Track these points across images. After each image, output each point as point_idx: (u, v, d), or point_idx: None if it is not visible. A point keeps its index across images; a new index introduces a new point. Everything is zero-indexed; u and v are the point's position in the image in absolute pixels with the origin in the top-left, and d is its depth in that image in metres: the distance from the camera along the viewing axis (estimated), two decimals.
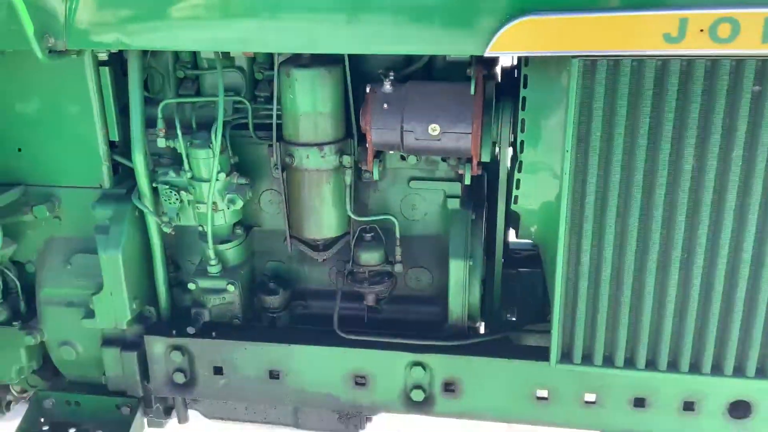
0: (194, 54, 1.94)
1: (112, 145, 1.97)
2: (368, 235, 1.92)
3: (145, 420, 2.25)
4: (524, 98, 1.65)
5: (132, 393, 2.08)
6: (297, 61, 1.78)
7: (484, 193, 2.04)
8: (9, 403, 2.56)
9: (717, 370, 1.71)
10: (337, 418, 2.22)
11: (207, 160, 1.84)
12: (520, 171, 1.71)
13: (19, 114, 1.98)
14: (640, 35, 1.48)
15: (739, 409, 1.82)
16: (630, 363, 1.74)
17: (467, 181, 1.82)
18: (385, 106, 1.71)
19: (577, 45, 1.51)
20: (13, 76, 1.93)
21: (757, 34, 1.44)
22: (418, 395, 1.91)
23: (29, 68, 1.89)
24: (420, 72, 1.84)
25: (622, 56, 1.51)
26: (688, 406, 1.83)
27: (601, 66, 1.52)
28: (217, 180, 1.84)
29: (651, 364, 1.73)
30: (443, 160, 1.89)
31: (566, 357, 1.76)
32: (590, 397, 1.87)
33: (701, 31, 1.46)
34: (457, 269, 1.86)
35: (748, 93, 1.51)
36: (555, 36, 1.52)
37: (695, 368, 1.72)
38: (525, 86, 1.65)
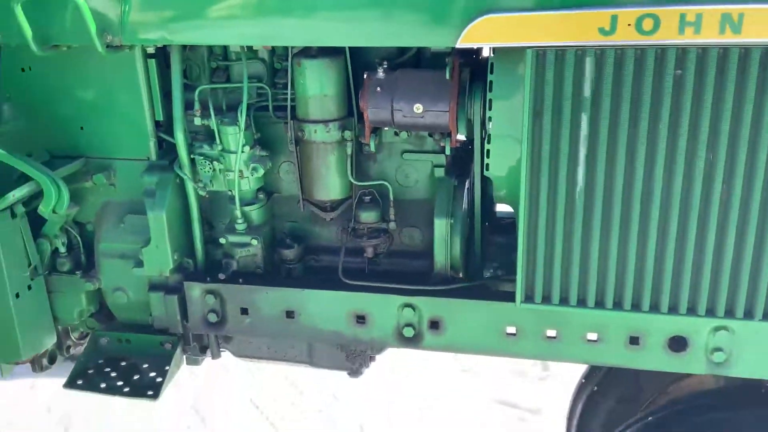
0: (225, 48, 2.34)
1: (157, 124, 2.38)
2: (367, 198, 2.30)
3: (184, 357, 2.67)
4: (491, 82, 2.01)
5: (173, 331, 2.49)
6: (307, 52, 2.17)
7: (470, 164, 2.41)
8: (69, 347, 3.01)
9: (654, 308, 2.06)
10: (345, 357, 2.61)
11: (234, 136, 2.24)
12: (489, 143, 2.07)
13: (82, 98, 2.40)
14: (580, 29, 1.83)
15: (677, 344, 2.16)
16: (582, 303, 2.08)
17: (447, 152, 2.19)
18: (379, 89, 2.09)
19: (529, 38, 1.87)
20: (77, 67, 2.36)
21: (674, 27, 1.78)
22: (408, 332, 2.29)
23: (90, 60, 2.30)
24: (410, 61, 2.22)
25: (566, 47, 1.86)
26: (634, 341, 2.17)
27: (550, 55, 1.88)
28: (242, 152, 2.24)
29: (599, 304, 2.07)
30: (429, 135, 2.26)
31: (529, 298, 2.11)
32: (551, 332, 2.22)
33: (629, 25, 1.80)
34: (440, 227, 2.23)
35: (671, 76, 1.85)
36: (512, 31, 1.87)
37: (636, 307, 2.06)
38: (491, 72, 2.00)
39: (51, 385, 4.18)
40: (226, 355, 2.71)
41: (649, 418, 2.37)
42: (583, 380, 2.94)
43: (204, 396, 4.11)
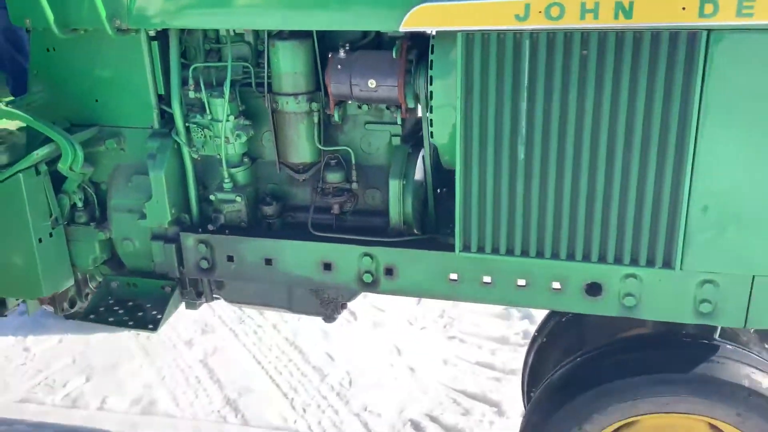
0: (216, 32, 2.74)
1: (159, 97, 2.80)
2: (333, 162, 2.68)
3: (183, 302, 3.09)
4: (432, 61, 2.37)
5: (172, 276, 2.91)
6: (280, 35, 2.56)
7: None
8: (87, 294, 3.46)
9: (571, 256, 2.40)
10: (319, 303, 3.00)
11: (221, 107, 2.64)
12: (431, 113, 2.43)
13: (97, 75, 2.83)
14: (500, 16, 2.18)
15: (593, 289, 2.49)
16: (510, 252, 2.43)
17: (398, 122, 2.56)
18: (339, 67, 2.47)
19: (459, 23, 2.23)
20: (92, 48, 2.78)
21: (576, 13, 2.12)
22: (368, 278, 2.66)
23: (103, 42, 2.72)
24: (371, 44, 2.59)
25: (489, 31, 2.21)
26: (556, 286, 2.52)
27: (477, 38, 2.23)
28: (227, 121, 2.64)
29: (524, 252, 2.42)
30: (387, 108, 2.63)
31: (466, 248, 2.47)
32: (487, 278, 2.57)
33: (539, 12, 2.15)
34: (394, 187, 2.60)
35: (578, 56, 2.19)
36: (444, 18, 2.23)
37: (555, 255, 2.40)
38: (432, 53, 2.36)
39: (76, 339, 4.67)
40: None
41: (578, 359, 2.70)
42: (536, 333, 3.29)
43: (213, 354, 4.52)
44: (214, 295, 3.06)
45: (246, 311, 4.82)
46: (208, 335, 4.65)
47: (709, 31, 2.06)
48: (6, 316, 3.39)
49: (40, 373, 4.37)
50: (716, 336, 2.61)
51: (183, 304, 3.08)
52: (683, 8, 2.04)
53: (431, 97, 2.40)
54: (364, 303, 4.87)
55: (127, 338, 4.62)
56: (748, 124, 2.13)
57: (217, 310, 4.88)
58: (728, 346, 2.54)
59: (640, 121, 2.19)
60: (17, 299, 3.12)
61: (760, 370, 2.49)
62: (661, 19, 2.07)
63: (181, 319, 4.74)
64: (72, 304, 3.34)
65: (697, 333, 2.62)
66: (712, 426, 2.60)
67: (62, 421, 3.92)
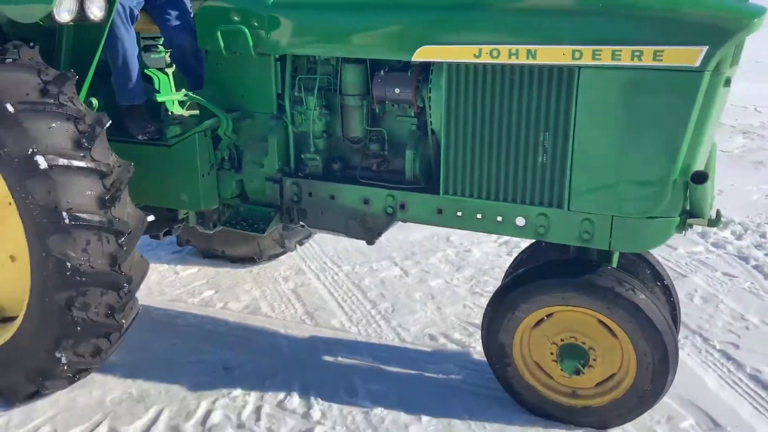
0: (314, 57, 4.51)
1: (278, 95, 4.57)
2: (374, 137, 4.42)
3: (281, 223, 4.89)
4: (431, 78, 4.02)
5: (275, 204, 4.58)
6: (347, 60, 4.27)
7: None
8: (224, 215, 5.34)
9: (507, 200, 3.96)
10: (363, 230, 4.64)
11: (312, 102, 4.39)
12: (430, 110, 4.10)
13: (243, 80, 4.58)
14: (465, 55, 3.84)
15: (520, 222, 4.03)
16: (472, 195, 4.05)
17: (413, 115, 4.24)
18: (380, 81, 4.17)
19: (445, 58, 3.89)
20: (242, 63, 4.34)
21: (506, 55, 3.75)
22: (389, 210, 4.27)
23: (249, 60, 4.35)
24: (399, 67, 4.29)
25: (460, 63, 3.87)
26: (504, 219, 4.05)
27: (454, 66, 3.89)
28: (315, 110, 4.38)
29: (480, 196, 4.03)
30: (408, 106, 4.31)
31: (446, 192, 4.10)
32: (459, 213, 4.18)
33: (486, 53, 3.79)
34: (409, 155, 4.27)
35: (509, 79, 3.79)
36: (437, 54, 3.92)
37: (498, 198, 3.98)
38: (431, 73, 4.03)
39: (209, 270, 6.60)
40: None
41: (520, 271, 4.25)
42: (514, 260, 4.85)
43: (301, 286, 6.26)
44: (300, 222, 4.83)
45: (327, 263, 6.61)
46: (299, 275, 6.42)
47: (579, 67, 3.62)
48: (172, 234, 5.35)
49: (185, 287, 6.32)
50: (612, 264, 4.09)
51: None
52: (563, 54, 3.61)
53: (430, 100, 4.08)
54: (415, 266, 6.55)
55: (244, 272, 6.52)
56: (602, 123, 3.65)
57: (307, 261, 6.70)
58: (609, 268, 3.99)
59: (544, 118, 3.76)
60: (184, 213, 5.03)
61: (626, 282, 3.92)
62: (553, 60, 3.66)
63: (282, 264, 6.61)
64: (214, 225, 5.22)
65: (598, 260, 4.10)
66: (600, 321, 4.06)
67: (198, 312, 5.83)
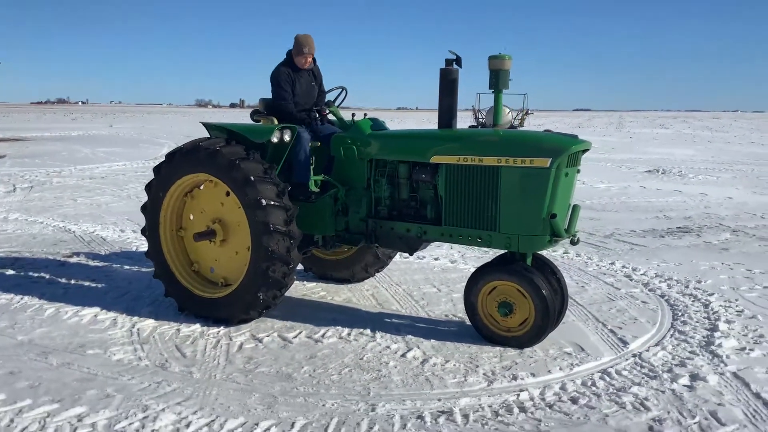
0: (388, 160, 9.11)
1: (368, 181, 9.21)
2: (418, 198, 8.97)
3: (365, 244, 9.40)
4: (438, 170, 8.58)
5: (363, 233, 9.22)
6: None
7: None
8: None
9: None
10: (408, 248, 9.09)
11: (384, 182, 9.02)
12: (438, 182, 8.62)
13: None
14: (461, 159, 8.37)
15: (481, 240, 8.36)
16: (460, 226, 8.46)
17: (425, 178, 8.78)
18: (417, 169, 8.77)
19: (443, 161, 8.44)
20: (350, 164, 9.31)
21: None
22: (419, 235, 8.78)
23: (354, 162, 9.23)
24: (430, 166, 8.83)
25: (449, 163, 8.38)
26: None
27: (448, 164, 8.41)
28: (385, 185, 9.02)
29: (449, 224, 8.42)
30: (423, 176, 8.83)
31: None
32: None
33: (456, 161, 8.31)
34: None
35: (472, 171, 8.27)
36: (442, 159, 8.46)
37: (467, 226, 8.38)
38: (438, 167, 8.58)
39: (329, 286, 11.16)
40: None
41: (491, 261, 8.54)
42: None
43: (374, 289, 10.69)
44: (375, 243, 9.29)
45: (392, 283, 11.05)
46: (375, 288, 10.84)
47: (501, 167, 7.95)
48: (308, 254, 10.02)
49: (309, 290, 10.86)
50: (527, 263, 8.37)
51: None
52: (496, 160, 8.05)
53: (438, 181, 8.53)
54: (442, 277, 10.89)
55: (342, 286, 10.96)
56: (511, 193, 7.90)
57: (379, 281, 11.16)
58: (522, 263, 8.21)
59: (489, 192, 8.09)
60: (316, 238, 9.61)
61: (530, 270, 8.11)
62: (490, 163, 8.00)
63: (365, 283, 11.04)
64: (332, 245, 9.77)
65: (518, 259, 8.33)
66: (518, 290, 8.23)
67: (316, 300, 10.34)
